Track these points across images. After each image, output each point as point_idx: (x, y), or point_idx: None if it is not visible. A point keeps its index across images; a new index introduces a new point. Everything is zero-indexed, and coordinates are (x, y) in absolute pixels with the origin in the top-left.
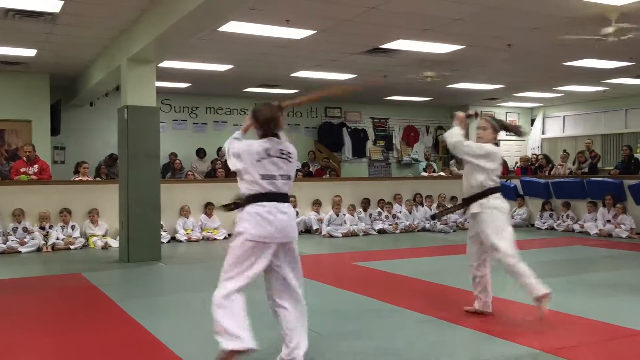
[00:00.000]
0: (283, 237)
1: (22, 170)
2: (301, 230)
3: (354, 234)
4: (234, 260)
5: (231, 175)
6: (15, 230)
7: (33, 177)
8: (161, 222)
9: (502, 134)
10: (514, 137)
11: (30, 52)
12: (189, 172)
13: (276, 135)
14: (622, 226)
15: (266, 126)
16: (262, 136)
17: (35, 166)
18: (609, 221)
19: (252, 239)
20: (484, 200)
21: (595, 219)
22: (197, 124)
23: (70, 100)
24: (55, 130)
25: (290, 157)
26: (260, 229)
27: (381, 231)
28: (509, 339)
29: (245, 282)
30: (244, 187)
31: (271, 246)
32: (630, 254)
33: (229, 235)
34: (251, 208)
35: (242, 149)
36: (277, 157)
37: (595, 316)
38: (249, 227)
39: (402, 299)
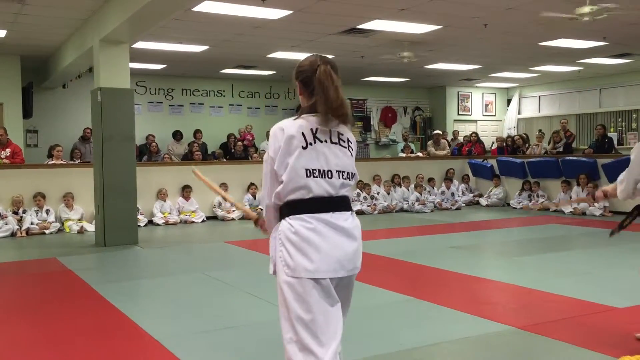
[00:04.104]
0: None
1: None
2: None
3: None
4: None
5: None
6: None
7: (5, 161)
8: (138, 206)
9: (479, 115)
10: (490, 118)
11: (0, 33)
12: (166, 155)
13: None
14: (595, 204)
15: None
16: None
17: (7, 150)
18: None
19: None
20: None
21: (570, 198)
22: (173, 106)
23: (42, 83)
24: (27, 113)
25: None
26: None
27: (359, 212)
28: (485, 317)
29: None
30: None
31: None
32: (604, 232)
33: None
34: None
35: None
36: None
37: (570, 293)
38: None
39: (380, 279)
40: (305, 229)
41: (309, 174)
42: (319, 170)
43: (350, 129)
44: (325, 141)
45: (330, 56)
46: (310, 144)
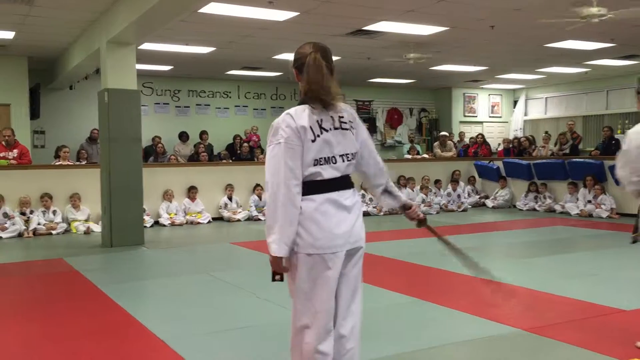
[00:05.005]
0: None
1: (1, 155)
2: None
3: None
4: None
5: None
6: None
7: (12, 162)
8: (144, 206)
9: (486, 116)
10: (496, 119)
11: (8, 35)
12: (172, 156)
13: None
14: (602, 206)
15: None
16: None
17: (15, 151)
18: (589, 201)
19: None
20: None
21: (577, 200)
22: (179, 107)
23: (50, 84)
24: (34, 114)
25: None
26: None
27: (365, 214)
28: (490, 319)
29: None
30: None
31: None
32: (611, 234)
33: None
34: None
35: None
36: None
37: (577, 295)
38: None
39: (385, 280)
40: (311, 208)
41: (315, 163)
42: (325, 158)
43: (343, 104)
44: (329, 129)
45: (336, 58)
46: (318, 136)
